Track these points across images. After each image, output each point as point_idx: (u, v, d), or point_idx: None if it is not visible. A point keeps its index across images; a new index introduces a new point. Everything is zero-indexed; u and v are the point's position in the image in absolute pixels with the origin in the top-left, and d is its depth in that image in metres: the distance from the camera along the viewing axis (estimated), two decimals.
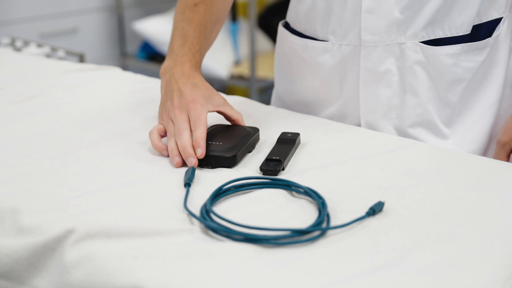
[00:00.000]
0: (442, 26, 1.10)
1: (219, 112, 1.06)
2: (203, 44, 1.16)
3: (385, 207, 0.83)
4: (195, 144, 0.96)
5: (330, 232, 0.79)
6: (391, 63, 1.12)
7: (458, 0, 1.09)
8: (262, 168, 0.94)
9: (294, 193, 0.89)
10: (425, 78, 1.12)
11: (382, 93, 1.14)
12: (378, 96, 1.15)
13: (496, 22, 1.14)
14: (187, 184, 0.89)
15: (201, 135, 0.97)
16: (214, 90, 1.07)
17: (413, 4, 1.08)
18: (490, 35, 1.12)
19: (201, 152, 0.95)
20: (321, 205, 0.83)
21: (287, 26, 1.28)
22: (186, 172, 0.92)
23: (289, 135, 1.04)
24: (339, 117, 1.21)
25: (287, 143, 1.01)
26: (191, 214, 0.81)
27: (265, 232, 0.77)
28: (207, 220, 0.80)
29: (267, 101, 1.41)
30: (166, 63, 1.12)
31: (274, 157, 0.96)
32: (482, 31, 1.12)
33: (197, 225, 0.80)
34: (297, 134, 1.04)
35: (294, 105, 1.29)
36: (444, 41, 1.11)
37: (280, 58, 1.31)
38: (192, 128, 0.99)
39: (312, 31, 1.20)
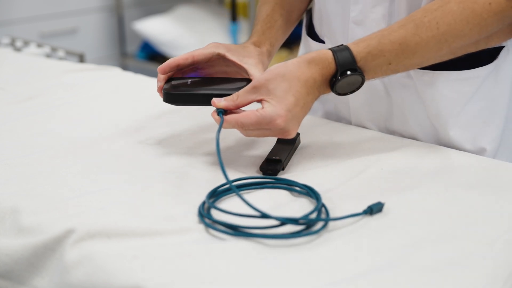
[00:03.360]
0: None
1: (238, 65, 1.03)
2: (278, 20, 1.15)
3: (385, 207, 0.83)
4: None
5: (329, 232, 0.79)
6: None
7: None
8: (262, 168, 0.94)
9: (294, 192, 0.89)
10: (411, 96, 1.07)
11: (369, 102, 1.12)
12: (366, 105, 1.13)
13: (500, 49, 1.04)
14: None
15: (168, 61, 1.00)
16: (256, 54, 1.05)
17: None
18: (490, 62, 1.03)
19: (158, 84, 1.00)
20: (316, 199, 0.84)
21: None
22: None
23: None
24: (336, 117, 1.21)
25: (287, 142, 1.01)
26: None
27: (258, 221, 0.77)
28: (203, 213, 0.80)
29: None
30: None
31: (274, 157, 0.96)
32: (484, 58, 1.03)
33: (197, 225, 0.80)
34: (297, 134, 1.04)
35: None
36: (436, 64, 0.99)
37: None
38: None
39: (312, 27, 1.20)
